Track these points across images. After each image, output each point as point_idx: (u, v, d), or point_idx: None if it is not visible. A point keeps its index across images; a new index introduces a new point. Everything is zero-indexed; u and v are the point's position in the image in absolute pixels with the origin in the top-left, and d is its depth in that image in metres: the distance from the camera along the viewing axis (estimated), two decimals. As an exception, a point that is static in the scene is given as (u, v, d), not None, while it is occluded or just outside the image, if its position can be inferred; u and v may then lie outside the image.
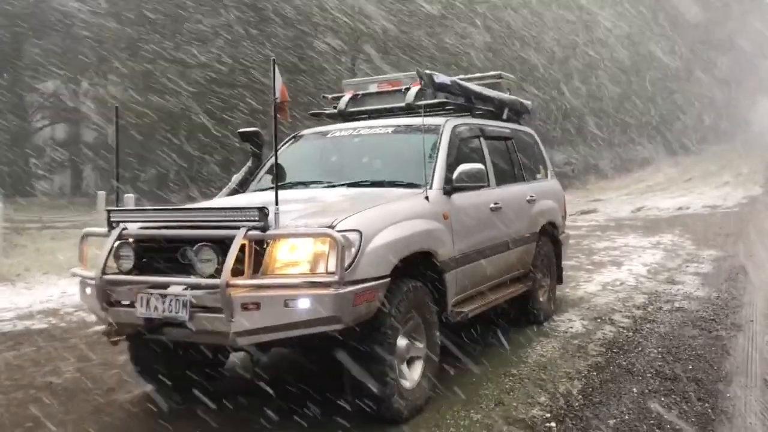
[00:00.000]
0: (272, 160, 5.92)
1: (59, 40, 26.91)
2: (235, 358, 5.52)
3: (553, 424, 4.14)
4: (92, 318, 7.38)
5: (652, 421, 4.16)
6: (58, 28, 26.09)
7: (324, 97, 6.79)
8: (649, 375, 5.04)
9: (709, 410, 4.34)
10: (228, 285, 3.59)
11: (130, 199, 12.02)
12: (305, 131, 6.19)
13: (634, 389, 4.75)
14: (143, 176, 27.13)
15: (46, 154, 29.94)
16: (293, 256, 3.78)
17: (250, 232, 3.72)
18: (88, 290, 4.32)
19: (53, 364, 5.75)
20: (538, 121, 27.38)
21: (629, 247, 12.02)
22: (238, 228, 3.74)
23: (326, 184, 5.28)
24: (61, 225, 17.59)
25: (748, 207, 19.03)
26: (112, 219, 4.18)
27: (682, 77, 48.53)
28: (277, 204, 3.83)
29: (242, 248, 3.74)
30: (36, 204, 23.13)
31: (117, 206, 4.43)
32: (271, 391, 4.59)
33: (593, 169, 33.56)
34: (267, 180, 5.86)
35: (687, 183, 28.68)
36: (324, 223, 3.85)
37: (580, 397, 4.61)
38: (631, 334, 6.21)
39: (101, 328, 6.83)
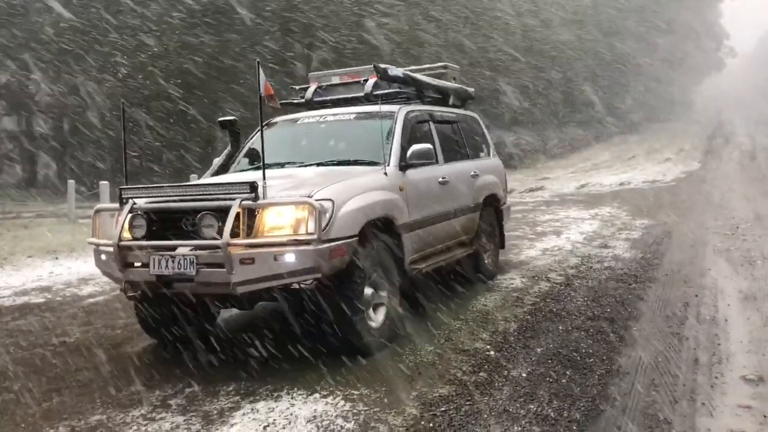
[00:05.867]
0: (248, 145, 6.82)
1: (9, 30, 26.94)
2: (223, 315, 6.40)
3: (492, 352, 5.13)
4: (85, 292, 8.20)
5: (571, 348, 5.18)
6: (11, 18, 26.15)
7: (292, 88, 7.64)
8: (574, 317, 6.06)
9: (618, 339, 5.38)
10: (228, 245, 4.47)
11: (104, 185, 12.68)
12: (277, 118, 7.05)
13: (561, 327, 5.76)
14: (103, 165, 27.45)
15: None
16: (279, 221, 4.66)
17: (244, 202, 4.60)
18: (103, 256, 5.15)
19: (60, 328, 6.53)
20: (487, 105, 28.41)
21: (570, 218, 13.15)
22: (233, 199, 4.61)
23: (299, 164, 6.16)
24: (28, 215, 18.07)
25: (685, 181, 20.41)
26: (123, 195, 5.00)
27: (627, 59, 50.20)
28: (264, 179, 4.71)
29: (236, 216, 4.61)
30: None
31: (126, 185, 5.20)
32: (255, 339, 5.51)
33: (542, 150, 34.85)
34: (245, 162, 6.71)
35: (631, 160, 30.11)
36: (303, 194, 4.75)
37: (516, 333, 5.61)
38: (563, 288, 7.23)
39: (99, 299, 7.69)
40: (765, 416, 3.85)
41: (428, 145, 6.07)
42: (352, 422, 3.95)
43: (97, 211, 5.40)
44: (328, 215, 4.69)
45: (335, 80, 7.19)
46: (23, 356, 5.66)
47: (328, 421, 3.98)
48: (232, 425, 4.01)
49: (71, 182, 15.07)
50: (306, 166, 6.08)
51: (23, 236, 12.96)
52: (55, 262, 10.32)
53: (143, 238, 4.93)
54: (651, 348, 5.12)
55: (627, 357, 4.95)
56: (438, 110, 7.24)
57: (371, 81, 6.75)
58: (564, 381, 4.49)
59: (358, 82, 6.95)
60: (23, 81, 29.25)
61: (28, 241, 12.10)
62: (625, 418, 3.88)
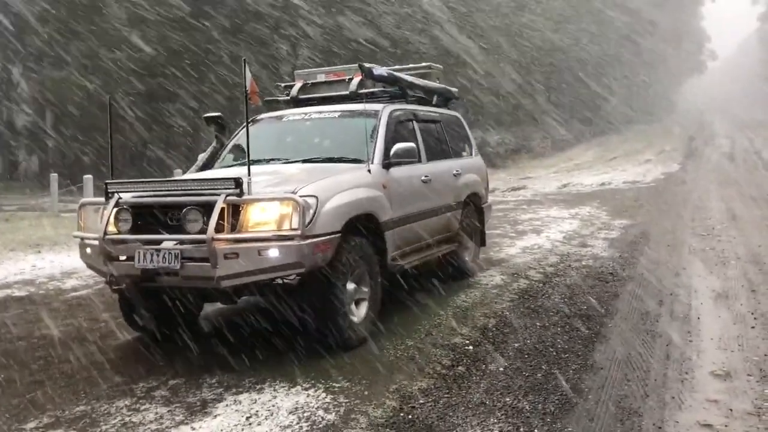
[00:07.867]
0: (233, 141, 6.88)
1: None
2: (207, 309, 6.47)
3: (471, 347, 5.25)
4: (68, 285, 8.23)
5: (547, 343, 5.31)
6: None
7: (278, 85, 7.71)
8: (551, 313, 6.20)
9: (593, 335, 5.52)
10: (213, 239, 4.55)
11: (88, 179, 12.66)
12: (263, 115, 7.12)
13: (538, 323, 5.89)
14: (86, 159, 27.29)
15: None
16: (264, 216, 4.74)
17: (229, 198, 4.67)
18: (89, 250, 5.20)
19: (44, 321, 6.56)
20: (471, 105, 28.52)
21: (550, 218, 13.31)
22: (219, 194, 4.69)
23: (284, 161, 6.25)
24: (9, 208, 17.98)
25: (665, 182, 20.64)
26: (109, 189, 5.05)
27: (610, 60, 50.64)
28: (249, 175, 4.79)
29: (221, 211, 4.68)
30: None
31: (112, 179, 5.26)
32: (239, 333, 5.59)
33: (525, 149, 35.10)
34: (229, 158, 6.77)
35: (612, 161, 30.39)
36: (288, 190, 4.84)
37: (494, 329, 5.73)
38: (541, 285, 7.37)
39: (82, 292, 7.73)
40: (731, 410, 3.99)
41: (411, 144, 6.18)
42: (333, 414, 4.05)
43: (83, 205, 5.45)
44: (312, 211, 4.78)
45: (321, 78, 7.28)
46: (6, 349, 5.70)
47: (309, 413, 4.07)
48: (215, 416, 4.10)
49: (54, 175, 15.04)
50: (291, 162, 6.17)
51: (5, 229, 12.92)
52: (38, 255, 10.31)
53: (129, 232, 4.99)
54: (625, 344, 5.26)
55: (601, 353, 5.08)
56: (422, 109, 7.35)
57: (356, 80, 6.85)
58: (540, 375, 4.62)
59: (344, 80, 7.05)
60: (3, 73, 29.05)
61: (10, 234, 12.08)
62: (597, 411, 4.01)
